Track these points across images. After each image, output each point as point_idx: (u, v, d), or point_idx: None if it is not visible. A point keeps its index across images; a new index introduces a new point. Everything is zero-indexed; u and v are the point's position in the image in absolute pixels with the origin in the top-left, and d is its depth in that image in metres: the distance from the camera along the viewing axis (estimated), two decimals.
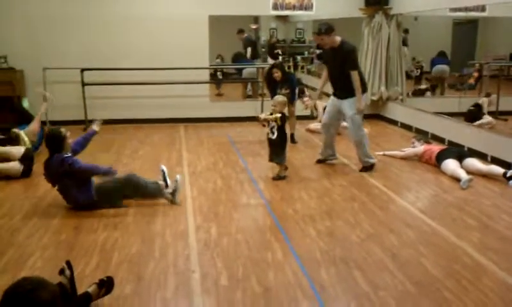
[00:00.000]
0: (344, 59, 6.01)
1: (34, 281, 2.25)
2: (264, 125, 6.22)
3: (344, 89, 6.16)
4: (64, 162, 4.74)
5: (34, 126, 6.98)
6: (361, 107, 6.11)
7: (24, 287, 2.18)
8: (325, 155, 6.72)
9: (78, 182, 4.83)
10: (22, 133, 6.75)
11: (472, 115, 8.54)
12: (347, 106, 6.16)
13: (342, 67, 6.04)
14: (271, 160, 6.00)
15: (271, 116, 5.79)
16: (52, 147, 4.86)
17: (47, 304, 2.18)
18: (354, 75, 6.00)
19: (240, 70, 12.69)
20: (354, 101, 6.10)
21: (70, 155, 4.88)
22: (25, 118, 7.39)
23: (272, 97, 6.99)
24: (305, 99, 8.69)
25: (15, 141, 6.67)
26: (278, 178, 5.90)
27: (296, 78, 9.22)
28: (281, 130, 5.83)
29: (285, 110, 6.05)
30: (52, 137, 4.87)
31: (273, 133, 5.84)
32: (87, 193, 4.87)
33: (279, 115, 5.74)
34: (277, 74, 7.47)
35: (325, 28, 6.00)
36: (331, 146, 6.70)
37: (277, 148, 5.91)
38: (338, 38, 6.06)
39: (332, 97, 6.45)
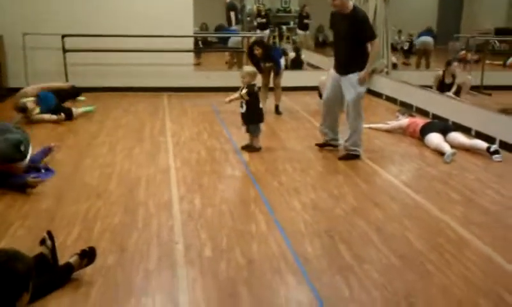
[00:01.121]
0: (357, 29, 5.35)
1: (9, 253, 2.25)
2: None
3: (347, 64, 5.51)
4: None
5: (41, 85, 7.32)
6: (365, 79, 5.50)
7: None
8: (326, 137, 5.96)
9: None
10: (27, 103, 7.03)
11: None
12: (348, 85, 5.50)
13: (350, 37, 5.40)
14: (246, 131, 5.95)
15: (235, 95, 5.80)
16: None
17: (22, 276, 2.19)
18: (374, 44, 5.47)
19: (223, 40, 12.54)
20: (356, 79, 5.45)
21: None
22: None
23: (259, 71, 6.91)
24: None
25: (23, 111, 7.02)
26: (246, 146, 5.86)
27: (282, 49, 9.14)
28: (249, 104, 5.75)
29: (256, 81, 5.96)
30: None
31: (242, 107, 5.80)
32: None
33: (244, 92, 5.69)
34: (258, 51, 7.34)
35: None
36: (334, 128, 5.92)
37: (247, 121, 5.86)
38: (350, 4, 5.40)
39: (332, 70, 5.78)
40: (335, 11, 5.54)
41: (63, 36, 8.56)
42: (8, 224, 3.84)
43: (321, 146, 6.00)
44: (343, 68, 5.58)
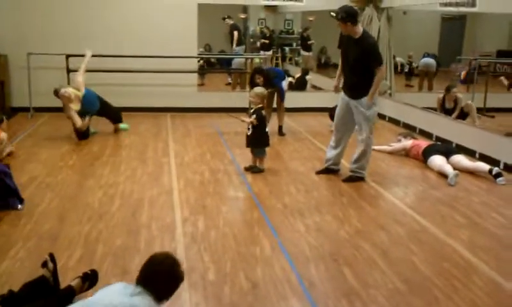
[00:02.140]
0: (365, 55, 5.28)
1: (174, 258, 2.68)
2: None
3: (356, 88, 5.43)
4: None
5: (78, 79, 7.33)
6: (371, 103, 5.38)
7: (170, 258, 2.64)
8: (329, 162, 5.85)
9: None
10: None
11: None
12: (357, 109, 5.44)
13: (359, 62, 5.34)
14: (251, 153, 5.95)
15: (247, 120, 5.84)
16: None
17: (177, 279, 2.64)
18: (380, 71, 5.30)
19: (226, 63, 12.59)
20: (364, 103, 5.38)
21: None
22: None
23: None
24: None
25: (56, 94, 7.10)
26: (249, 167, 5.87)
27: (284, 70, 9.13)
28: (256, 128, 5.77)
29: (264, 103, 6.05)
30: None
31: (249, 130, 5.83)
32: None
33: (254, 117, 5.74)
34: (259, 80, 7.29)
35: (343, 16, 5.21)
36: (341, 152, 5.81)
37: (253, 144, 5.88)
38: (360, 29, 5.33)
39: (343, 94, 5.64)
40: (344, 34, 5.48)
41: (67, 56, 8.58)
42: (10, 246, 3.80)
43: (320, 172, 5.90)
44: (351, 91, 5.53)
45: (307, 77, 11.34)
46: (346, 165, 5.92)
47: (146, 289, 2.47)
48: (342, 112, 5.68)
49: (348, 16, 5.23)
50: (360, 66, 5.37)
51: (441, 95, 8.44)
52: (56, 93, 7.04)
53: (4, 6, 8.70)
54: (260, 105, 5.85)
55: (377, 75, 5.33)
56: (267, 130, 5.89)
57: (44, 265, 3.07)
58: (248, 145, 5.92)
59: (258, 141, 5.84)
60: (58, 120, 8.35)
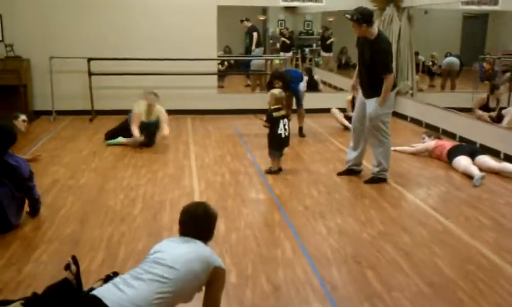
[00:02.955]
0: (377, 57, 5.25)
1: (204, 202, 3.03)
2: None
3: (370, 88, 5.43)
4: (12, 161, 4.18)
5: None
6: (380, 106, 5.33)
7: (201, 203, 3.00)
8: (350, 163, 5.84)
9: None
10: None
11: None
12: (376, 107, 5.37)
13: (372, 63, 5.30)
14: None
15: (263, 122, 5.91)
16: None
17: (214, 218, 2.90)
18: (387, 79, 5.23)
19: (244, 66, 12.55)
20: (385, 100, 5.34)
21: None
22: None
23: None
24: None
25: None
26: (269, 171, 5.85)
27: (301, 72, 8.98)
28: (269, 129, 5.79)
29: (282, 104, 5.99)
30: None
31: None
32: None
33: (264, 119, 5.81)
34: (278, 85, 7.25)
35: (358, 17, 5.18)
36: (362, 152, 5.79)
37: (268, 144, 5.90)
38: (375, 30, 5.29)
39: (360, 94, 5.65)
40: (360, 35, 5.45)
41: (89, 60, 8.66)
42: (32, 249, 3.84)
43: (342, 174, 5.86)
44: (365, 91, 5.51)
45: (316, 77, 11.26)
46: (368, 167, 5.86)
47: (192, 237, 2.76)
48: (358, 111, 5.65)
49: (363, 17, 5.18)
50: (373, 68, 5.32)
51: (484, 95, 8.38)
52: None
53: (26, 11, 8.81)
54: (274, 106, 5.81)
55: (384, 83, 5.25)
56: (280, 132, 5.75)
57: (67, 267, 3.08)
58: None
59: (269, 142, 5.85)
60: (80, 123, 8.45)
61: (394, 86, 5.46)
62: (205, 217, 2.85)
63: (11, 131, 4.27)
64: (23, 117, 6.39)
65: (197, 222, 2.81)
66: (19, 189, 4.20)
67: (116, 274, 3.18)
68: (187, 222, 2.81)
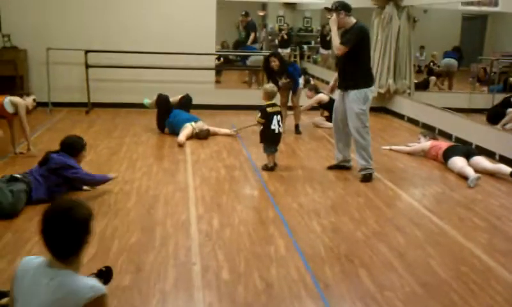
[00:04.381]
0: (348, 38, 5.43)
1: (71, 201, 2.30)
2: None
3: (349, 79, 5.53)
4: (67, 168, 4.75)
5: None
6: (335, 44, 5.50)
7: (61, 206, 2.24)
8: (339, 159, 5.97)
9: (60, 183, 4.75)
10: None
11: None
12: (351, 100, 5.50)
13: (348, 52, 5.41)
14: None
15: (257, 118, 5.86)
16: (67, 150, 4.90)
17: (81, 222, 2.20)
18: (340, 47, 5.41)
19: (242, 58, 12.50)
20: (360, 94, 5.47)
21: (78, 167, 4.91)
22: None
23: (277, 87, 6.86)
24: (308, 93, 8.52)
25: None
26: (265, 168, 5.86)
27: (300, 68, 9.04)
28: (263, 125, 5.78)
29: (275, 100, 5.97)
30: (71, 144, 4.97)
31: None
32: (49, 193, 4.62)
33: (258, 116, 5.78)
34: (274, 63, 7.23)
35: (336, 5, 5.49)
36: (346, 148, 5.91)
37: (260, 139, 5.90)
38: (352, 20, 5.50)
39: (338, 91, 5.80)
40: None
41: (86, 52, 8.62)
42: (24, 241, 3.82)
43: (332, 168, 5.97)
44: (343, 82, 5.65)
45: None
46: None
47: (58, 255, 2.19)
48: (338, 105, 5.78)
49: (341, 4, 5.49)
50: (348, 56, 5.45)
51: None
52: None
53: (24, 1, 8.76)
54: (268, 102, 5.79)
55: (338, 42, 5.44)
56: (273, 127, 5.72)
57: None
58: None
59: (261, 137, 5.86)
60: (76, 115, 8.42)
61: (371, 82, 5.64)
62: (68, 225, 2.15)
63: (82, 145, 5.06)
64: (33, 96, 6.48)
65: (58, 235, 2.15)
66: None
67: (108, 268, 3.18)
68: (48, 234, 2.16)
